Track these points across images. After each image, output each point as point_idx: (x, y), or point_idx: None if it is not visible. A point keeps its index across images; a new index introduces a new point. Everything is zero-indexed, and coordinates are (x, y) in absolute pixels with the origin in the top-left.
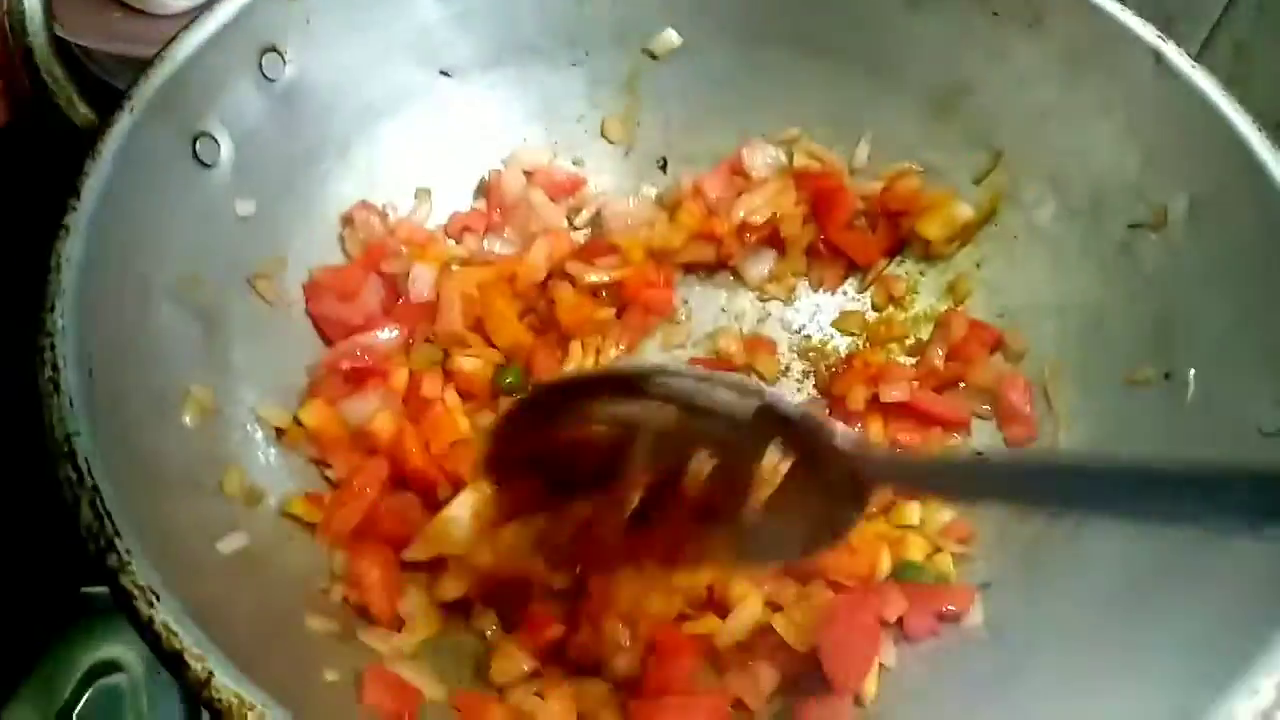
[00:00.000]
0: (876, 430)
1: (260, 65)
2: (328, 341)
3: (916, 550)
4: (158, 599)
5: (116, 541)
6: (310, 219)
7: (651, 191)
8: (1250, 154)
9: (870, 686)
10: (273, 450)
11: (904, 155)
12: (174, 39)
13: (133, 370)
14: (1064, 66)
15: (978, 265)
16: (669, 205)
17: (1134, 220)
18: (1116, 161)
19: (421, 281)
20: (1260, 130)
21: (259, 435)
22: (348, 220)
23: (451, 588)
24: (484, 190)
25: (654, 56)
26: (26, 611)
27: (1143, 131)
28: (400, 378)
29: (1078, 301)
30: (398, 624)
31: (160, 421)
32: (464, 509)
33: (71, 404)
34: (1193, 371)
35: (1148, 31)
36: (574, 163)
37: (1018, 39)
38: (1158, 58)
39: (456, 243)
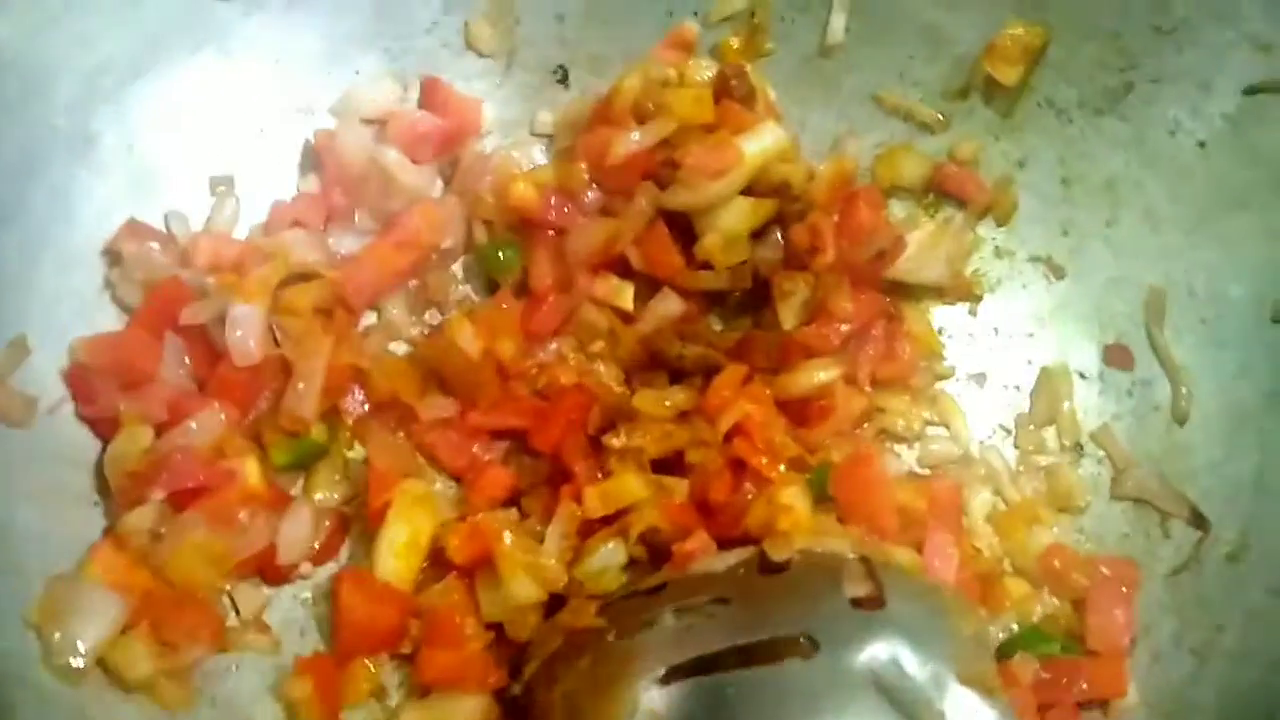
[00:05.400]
0: None
1: None
2: None
3: (1019, 599)
4: None
5: None
6: (52, 265)
7: (548, 118)
8: None
9: None
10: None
11: (893, 17)
12: None
13: None
14: None
15: (1020, 165)
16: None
17: (1257, 82)
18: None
19: (246, 330)
20: None
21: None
22: (114, 256)
23: None
24: (313, 162)
25: None
26: None
27: None
28: (250, 474)
29: (1168, 207)
30: None
31: None
32: None
33: None
34: None
35: None
36: None
37: None
38: None
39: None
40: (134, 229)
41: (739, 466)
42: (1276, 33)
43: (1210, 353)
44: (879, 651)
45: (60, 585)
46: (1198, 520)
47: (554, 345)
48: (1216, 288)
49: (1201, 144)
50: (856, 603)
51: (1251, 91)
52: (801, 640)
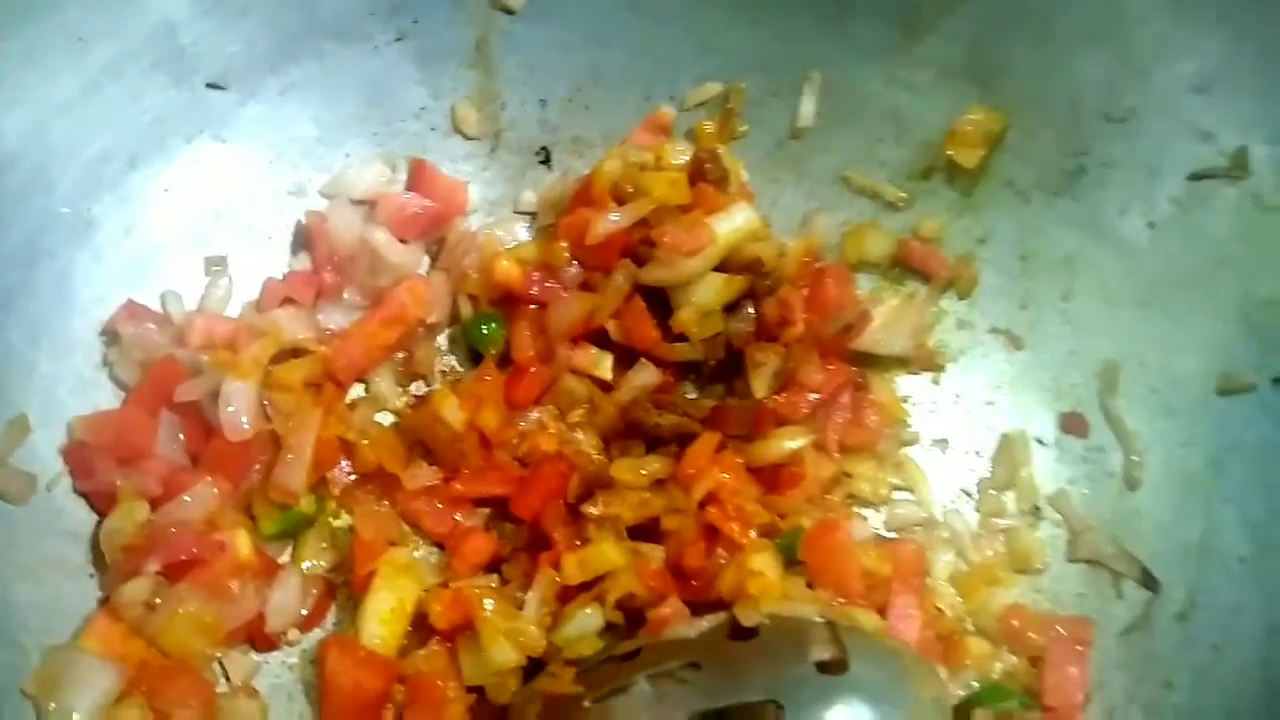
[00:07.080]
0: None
1: None
2: None
3: (979, 657)
4: None
5: None
6: (51, 347)
7: (531, 197)
8: None
9: None
10: None
11: (860, 101)
12: None
13: None
14: None
15: (980, 242)
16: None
17: (1200, 169)
18: (1169, 88)
19: (238, 406)
20: None
21: None
22: (112, 336)
23: None
24: (304, 241)
25: (509, 10)
26: None
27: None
28: (241, 545)
29: (1121, 283)
30: None
31: None
32: None
33: None
34: None
35: None
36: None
37: None
38: None
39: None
40: (132, 310)
41: (712, 533)
42: (1216, 123)
43: (1160, 422)
44: (841, 714)
45: (57, 656)
46: (1148, 581)
47: (535, 414)
48: (1166, 360)
49: (1151, 224)
50: (822, 666)
51: (1195, 177)
52: (769, 704)
